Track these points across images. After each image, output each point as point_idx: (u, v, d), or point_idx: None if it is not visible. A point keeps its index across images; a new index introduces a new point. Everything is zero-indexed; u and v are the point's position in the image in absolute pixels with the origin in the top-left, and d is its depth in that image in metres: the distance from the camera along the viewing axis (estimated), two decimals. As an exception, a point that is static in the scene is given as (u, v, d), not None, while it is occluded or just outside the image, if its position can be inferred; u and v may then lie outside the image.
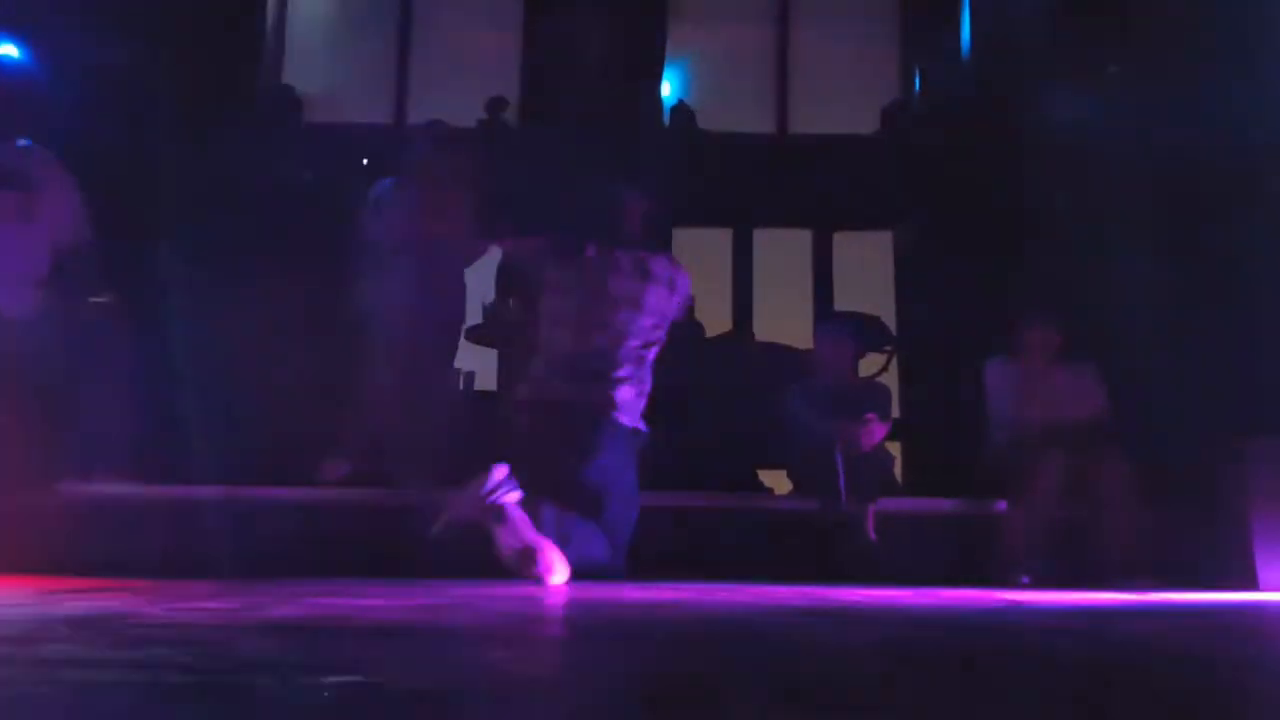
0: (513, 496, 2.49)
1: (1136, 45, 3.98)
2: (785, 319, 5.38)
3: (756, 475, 4.30)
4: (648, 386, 2.99)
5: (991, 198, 4.91)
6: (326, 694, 0.82)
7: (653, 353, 3.03)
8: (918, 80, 5.92)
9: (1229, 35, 3.34)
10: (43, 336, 2.95)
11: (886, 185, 5.34)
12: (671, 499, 3.47)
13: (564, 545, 2.53)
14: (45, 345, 2.94)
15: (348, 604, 1.77)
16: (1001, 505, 3.46)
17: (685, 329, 4.94)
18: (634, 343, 2.96)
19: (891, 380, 4.44)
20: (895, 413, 4.20)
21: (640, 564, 2.88)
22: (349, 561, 2.96)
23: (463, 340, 4.00)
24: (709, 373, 4.23)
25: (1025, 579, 3.20)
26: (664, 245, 3.09)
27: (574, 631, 1.44)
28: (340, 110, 5.78)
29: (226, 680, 0.88)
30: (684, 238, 5.78)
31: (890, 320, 5.04)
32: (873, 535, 3.38)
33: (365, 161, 4.74)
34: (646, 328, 3.00)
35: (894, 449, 4.38)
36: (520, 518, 2.48)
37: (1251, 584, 3.00)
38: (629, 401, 2.90)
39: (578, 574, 2.54)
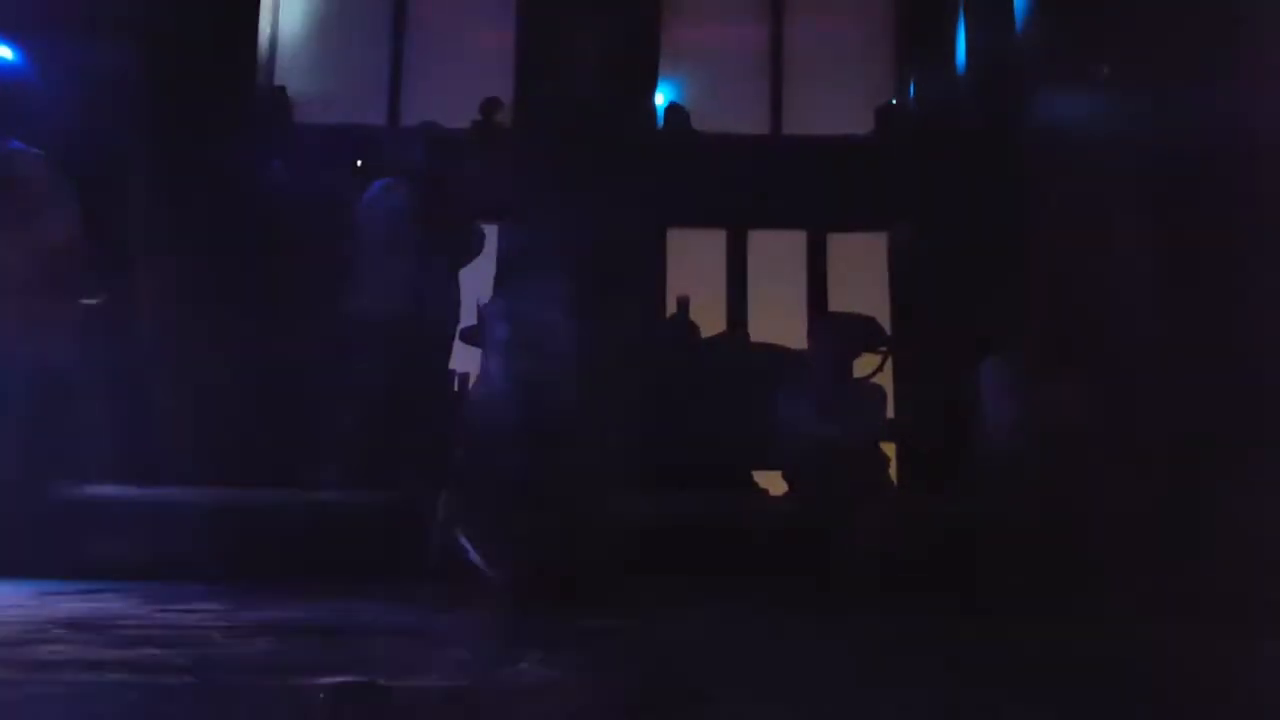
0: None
1: (1129, 45, 4.00)
2: (780, 320, 5.38)
3: (751, 476, 4.31)
4: None
5: (986, 198, 4.93)
6: (322, 694, 0.82)
7: None
8: (912, 83, 5.94)
9: (1218, 35, 3.35)
10: (36, 339, 2.94)
11: (881, 186, 5.36)
12: (665, 501, 3.47)
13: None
14: (39, 348, 2.93)
15: (343, 605, 1.77)
16: (997, 505, 3.46)
17: (679, 330, 4.96)
18: None
19: (886, 381, 4.45)
20: (890, 414, 4.20)
21: (634, 566, 2.88)
22: (344, 563, 2.95)
23: (457, 341, 4.00)
24: (703, 374, 4.23)
25: (1019, 579, 3.21)
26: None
27: (570, 635, 1.44)
28: (333, 111, 5.77)
29: (222, 681, 0.88)
30: (678, 238, 5.79)
31: (885, 321, 5.05)
32: (867, 537, 3.39)
33: (359, 163, 4.73)
34: None
35: (889, 450, 4.38)
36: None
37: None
38: None
39: None
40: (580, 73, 5.26)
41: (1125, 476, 3.23)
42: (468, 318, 4.14)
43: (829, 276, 5.83)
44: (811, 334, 4.03)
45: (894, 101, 5.97)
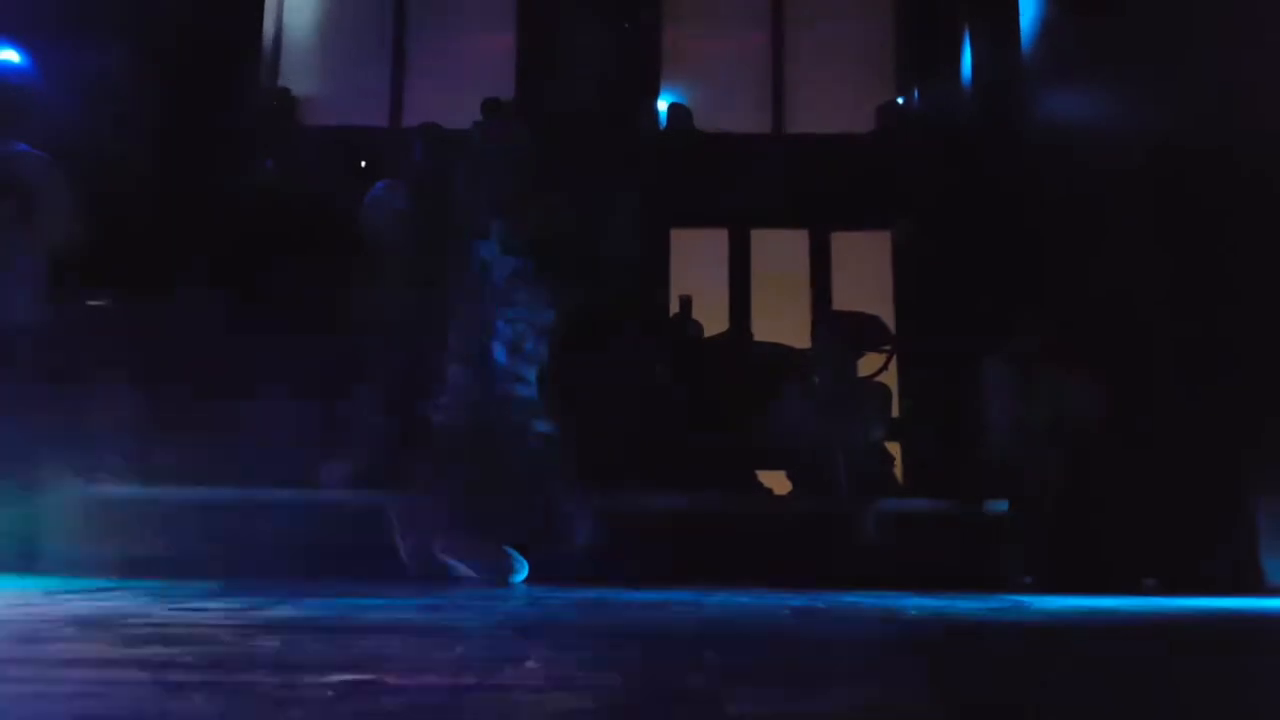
0: None
1: (1130, 44, 3.99)
2: (783, 319, 5.38)
3: (755, 476, 4.31)
4: None
5: (990, 196, 4.92)
6: (330, 692, 0.83)
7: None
8: (915, 80, 5.93)
9: (1221, 32, 3.35)
10: (42, 339, 2.95)
11: (884, 185, 5.35)
12: (669, 500, 3.47)
13: None
14: (44, 348, 2.95)
15: (350, 604, 1.77)
16: (1002, 505, 3.46)
17: (683, 330, 4.96)
18: None
19: (890, 380, 4.45)
20: (894, 412, 4.20)
21: (639, 566, 2.89)
22: (351, 562, 2.97)
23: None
24: (707, 373, 4.23)
25: (1028, 578, 3.21)
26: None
27: (574, 633, 1.44)
28: (336, 113, 5.78)
29: (231, 679, 0.88)
30: (681, 238, 5.79)
31: (889, 320, 5.04)
32: (872, 536, 3.39)
33: (363, 164, 4.74)
34: None
35: (893, 449, 4.38)
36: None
37: (1258, 584, 2.99)
38: None
39: None
40: (581, 73, 5.26)
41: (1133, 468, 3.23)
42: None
43: (832, 275, 5.82)
44: (815, 333, 4.03)
45: (899, 100, 5.96)
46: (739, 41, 6.28)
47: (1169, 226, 3.60)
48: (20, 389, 2.83)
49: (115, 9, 4.28)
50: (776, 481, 4.19)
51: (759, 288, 5.84)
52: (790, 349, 4.54)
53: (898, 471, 4.36)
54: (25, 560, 2.58)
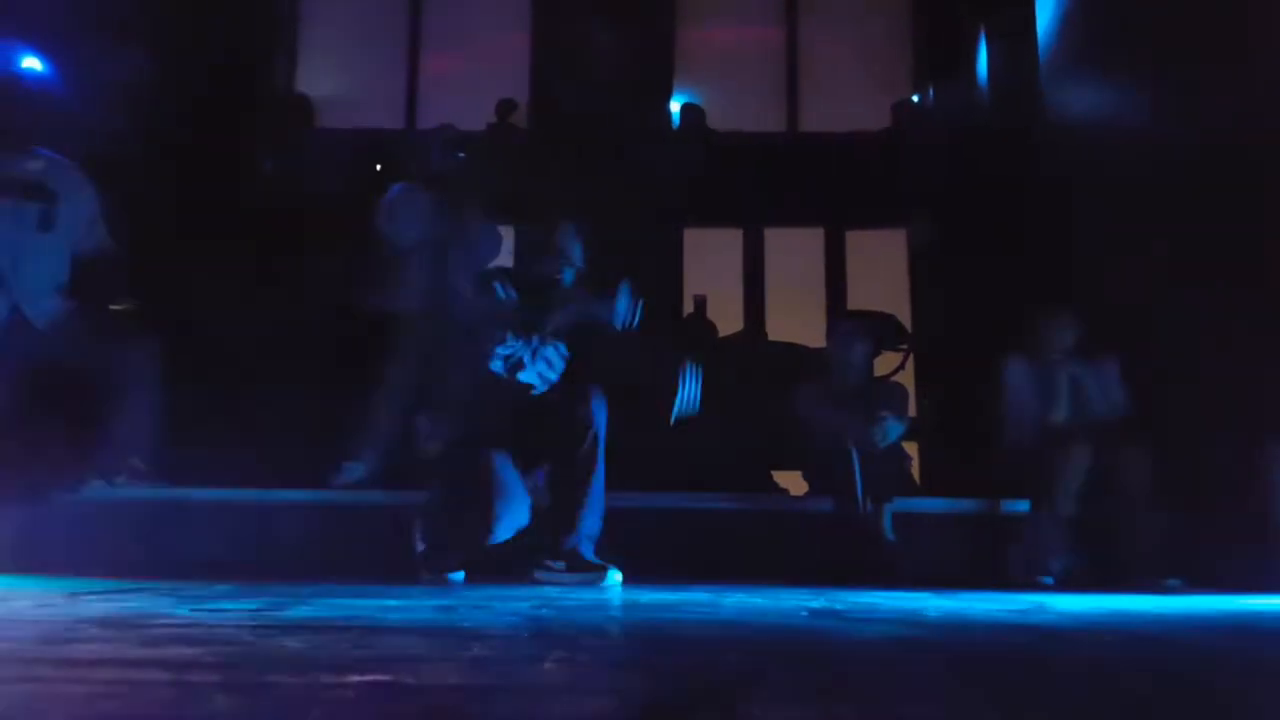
0: None
1: (1145, 46, 3.95)
2: (798, 319, 5.36)
3: (771, 476, 4.29)
4: None
5: (1007, 193, 4.88)
6: (351, 693, 0.83)
7: None
8: (930, 78, 5.89)
9: (1232, 36, 3.31)
10: (66, 344, 2.99)
11: (899, 182, 5.32)
12: (686, 500, 3.47)
13: None
14: (68, 352, 2.98)
15: (369, 604, 1.78)
16: (1022, 505, 3.43)
17: (698, 330, 4.95)
18: None
19: (907, 379, 4.42)
20: (911, 412, 4.17)
21: (655, 565, 2.89)
22: (370, 563, 2.98)
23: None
24: (722, 373, 4.22)
25: (1048, 579, 3.18)
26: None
27: (591, 633, 1.44)
28: (353, 115, 5.82)
29: (252, 680, 0.89)
30: (695, 238, 5.78)
31: (905, 319, 5.02)
32: (890, 536, 3.37)
33: (379, 167, 4.77)
34: None
35: (911, 449, 4.35)
36: None
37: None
38: None
39: None
40: (596, 74, 5.27)
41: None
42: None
43: (848, 274, 5.80)
44: (831, 333, 4.01)
45: (914, 98, 5.93)
46: (753, 40, 6.26)
47: (1188, 225, 3.56)
48: (42, 391, 2.87)
49: (136, 17, 4.34)
50: (793, 482, 4.18)
51: (774, 287, 5.82)
52: (806, 349, 4.53)
53: (915, 471, 4.34)
54: (44, 561, 2.61)
